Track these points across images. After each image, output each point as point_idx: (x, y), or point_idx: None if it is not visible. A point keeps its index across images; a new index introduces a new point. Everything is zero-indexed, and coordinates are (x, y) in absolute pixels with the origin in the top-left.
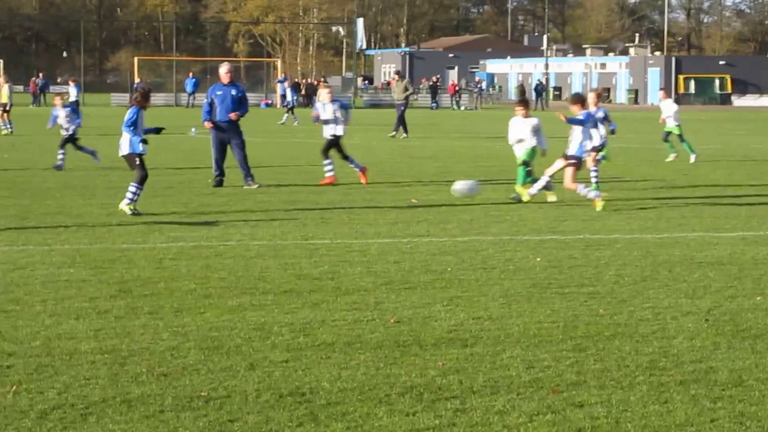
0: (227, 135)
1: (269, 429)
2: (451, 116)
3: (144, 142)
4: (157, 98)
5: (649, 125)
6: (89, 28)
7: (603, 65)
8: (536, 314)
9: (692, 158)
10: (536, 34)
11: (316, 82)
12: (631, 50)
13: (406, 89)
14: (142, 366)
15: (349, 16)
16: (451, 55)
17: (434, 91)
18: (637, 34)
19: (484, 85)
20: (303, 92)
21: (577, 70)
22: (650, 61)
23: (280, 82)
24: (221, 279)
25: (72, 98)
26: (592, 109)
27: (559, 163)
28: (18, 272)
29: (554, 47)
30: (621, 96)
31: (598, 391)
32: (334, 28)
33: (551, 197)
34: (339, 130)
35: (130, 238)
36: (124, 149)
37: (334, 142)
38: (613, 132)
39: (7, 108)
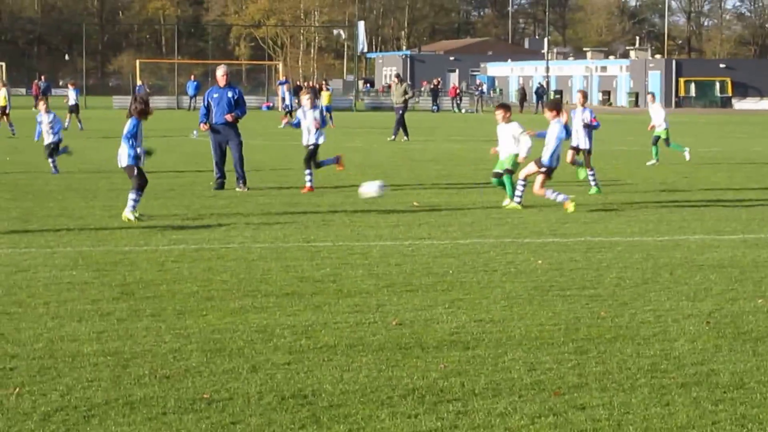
0: (224, 137)
1: (271, 431)
2: (452, 119)
3: (148, 153)
4: (158, 101)
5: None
6: (91, 31)
7: (604, 68)
8: (538, 317)
9: (686, 155)
10: (537, 37)
11: (317, 86)
12: (632, 53)
13: (405, 92)
14: (145, 368)
15: (350, 19)
16: (452, 58)
17: (435, 94)
18: (637, 38)
19: (485, 88)
20: None
21: (577, 73)
22: (651, 65)
23: (281, 84)
24: (223, 281)
25: (71, 102)
26: (578, 108)
27: (531, 167)
28: (21, 274)
29: (555, 50)
30: (621, 99)
31: (599, 393)
32: (335, 31)
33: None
34: (320, 138)
35: (132, 241)
36: (123, 161)
37: (315, 151)
38: (595, 127)
39: (6, 111)
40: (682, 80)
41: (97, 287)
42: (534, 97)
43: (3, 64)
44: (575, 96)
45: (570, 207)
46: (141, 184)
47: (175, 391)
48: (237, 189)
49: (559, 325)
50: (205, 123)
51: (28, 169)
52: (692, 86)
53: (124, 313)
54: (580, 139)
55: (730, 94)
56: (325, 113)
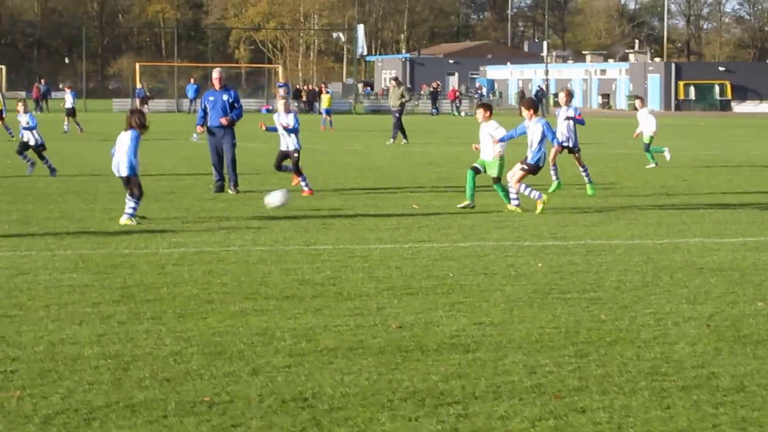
0: (220, 139)
1: None
2: (452, 122)
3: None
4: (158, 104)
5: None
6: (91, 34)
7: (603, 71)
8: (538, 320)
9: (666, 155)
10: (536, 40)
11: (317, 89)
12: (631, 56)
13: (402, 96)
14: (146, 371)
15: (349, 23)
16: (451, 61)
17: (434, 97)
18: (636, 41)
19: (484, 91)
20: (304, 98)
21: (577, 76)
22: (650, 68)
23: (280, 86)
24: (223, 284)
25: (68, 105)
26: (563, 107)
27: (517, 169)
28: (21, 277)
29: (554, 53)
30: (621, 102)
31: (600, 396)
32: (334, 35)
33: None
34: (294, 143)
35: (132, 244)
36: (124, 171)
37: (287, 155)
38: (580, 123)
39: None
40: (681, 83)
41: (97, 290)
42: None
43: (3, 67)
44: (574, 99)
45: (539, 207)
46: (141, 194)
47: (176, 394)
48: (229, 191)
49: (560, 328)
50: (202, 125)
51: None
52: (692, 89)
53: (125, 316)
54: (563, 138)
55: (729, 97)
56: (325, 116)
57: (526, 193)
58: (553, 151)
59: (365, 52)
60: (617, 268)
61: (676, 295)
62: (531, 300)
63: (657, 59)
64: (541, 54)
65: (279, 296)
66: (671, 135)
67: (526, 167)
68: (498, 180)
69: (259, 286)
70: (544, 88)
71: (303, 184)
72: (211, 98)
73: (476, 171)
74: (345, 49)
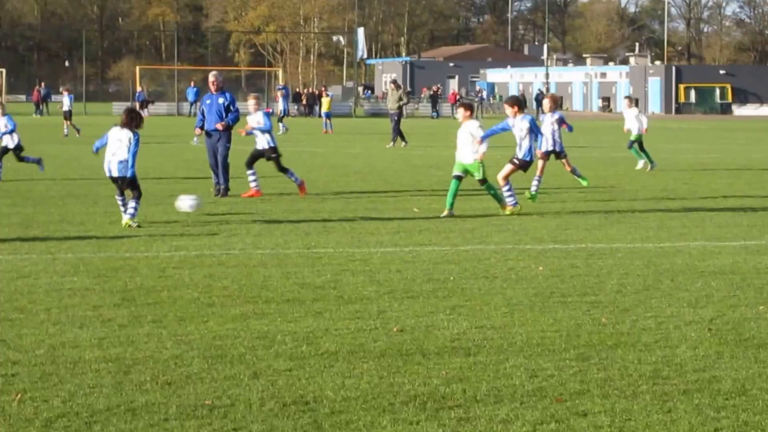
0: (216, 142)
1: None
2: (452, 125)
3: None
4: (158, 107)
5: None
6: (91, 37)
7: (603, 74)
8: (539, 323)
9: (639, 164)
10: (536, 43)
11: (317, 92)
12: (632, 59)
13: (400, 99)
14: (147, 374)
15: (349, 26)
16: (451, 64)
17: (435, 100)
18: (637, 44)
19: (484, 94)
20: (304, 102)
21: (577, 79)
22: (651, 71)
23: (280, 89)
24: (224, 288)
25: (65, 108)
26: (547, 113)
27: (508, 167)
28: (22, 281)
29: (554, 56)
30: (621, 105)
31: (601, 400)
32: (334, 38)
33: (506, 210)
34: (268, 141)
35: (133, 247)
36: (126, 171)
37: (261, 154)
38: (571, 129)
39: None
40: (682, 86)
41: (98, 293)
42: (534, 103)
43: (3, 70)
44: (575, 103)
45: (507, 210)
46: (140, 194)
47: (177, 397)
48: (211, 191)
49: (561, 331)
50: (201, 128)
51: (28, 175)
52: (692, 92)
53: (126, 320)
54: (549, 143)
55: (730, 101)
56: (325, 119)
57: (506, 191)
58: (540, 164)
59: (365, 56)
60: (618, 271)
61: (678, 298)
62: (532, 303)
63: (657, 62)
64: (542, 57)
65: (280, 300)
66: (672, 138)
67: (517, 162)
68: (484, 181)
69: (259, 290)
70: (544, 91)
71: (293, 179)
72: (207, 101)
73: (460, 179)
74: (345, 53)
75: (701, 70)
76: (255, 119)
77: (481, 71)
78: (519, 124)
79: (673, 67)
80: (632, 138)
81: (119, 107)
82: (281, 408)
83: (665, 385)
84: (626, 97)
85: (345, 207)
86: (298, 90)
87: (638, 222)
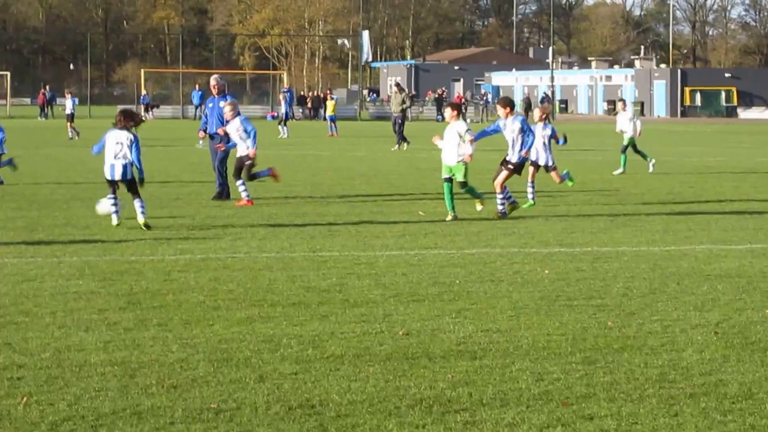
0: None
1: None
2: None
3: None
4: (164, 111)
5: (654, 137)
6: (96, 40)
7: (608, 77)
8: (545, 327)
9: (618, 171)
10: (541, 46)
11: (322, 95)
12: (637, 62)
13: (403, 102)
14: (152, 378)
15: (354, 29)
16: (456, 67)
17: (440, 103)
18: (642, 47)
19: (489, 97)
20: (309, 105)
21: (582, 82)
22: (656, 74)
23: (285, 92)
24: (229, 291)
25: (68, 110)
26: (538, 123)
27: (503, 172)
28: (27, 284)
29: (560, 60)
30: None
31: (607, 403)
32: (339, 41)
33: (479, 206)
34: (247, 149)
35: (138, 250)
36: (128, 174)
37: (243, 161)
38: (565, 142)
39: None
40: (687, 89)
41: (103, 297)
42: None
43: (7, 73)
44: (580, 106)
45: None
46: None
47: (183, 400)
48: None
49: (567, 335)
50: (204, 131)
51: (33, 178)
52: (698, 96)
53: (131, 323)
54: (540, 155)
55: (735, 104)
56: (330, 122)
57: (499, 198)
58: (531, 170)
59: (370, 59)
60: (624, 275)
61: (684, 302)
62: (538, 307)
63: (663, 65)
64: (547, 60)
65: (285, 303)
66: (678, 141)
67: (511, 166)
68: (465, 184)
69: (265, 293)
70: (549, 94)
71: (242, 189)
72: (210, 105)
73: (450, 181)
74: (350, 56)
75: (706, 74)
76: (234, 127)
77: (486, 74)
78: (511, 126)
79: (679, 71)
80: (625, 142)
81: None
82: (287, 411)
83: (672, 388)
84: (620, 100)
85: (350, 210)
86: (302, 93)
87: (644, 225)
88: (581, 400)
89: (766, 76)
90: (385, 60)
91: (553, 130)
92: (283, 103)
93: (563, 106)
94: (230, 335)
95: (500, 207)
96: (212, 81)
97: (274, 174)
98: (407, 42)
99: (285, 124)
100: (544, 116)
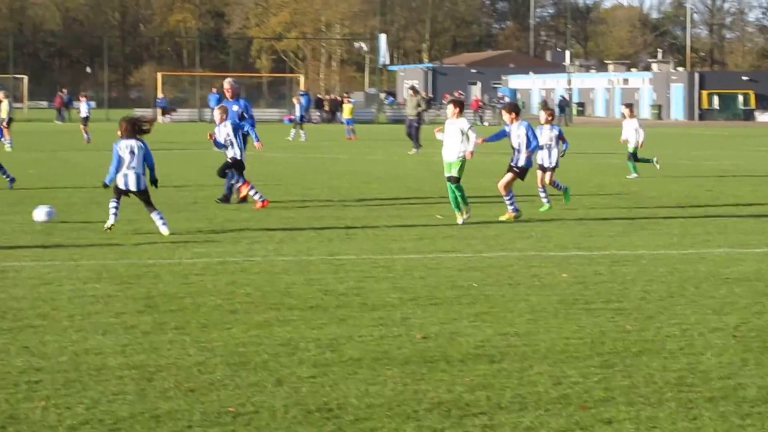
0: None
1: None
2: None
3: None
4: (180, 114)
5: (671, 141)
6: (112, 43)
7: (626, 81)
8: (563, 330)
9: (632, 176)
10: (559, 49)
11: (339, 98)
12: (654, 66)
13: (418, 105)
14: (170, 381)
15: (371, 32)
16: (473, 70)
17: None
18: (660, 50)
19: (506, 100)
20: (327, 108)
21: (600, 85)
22: (673, 77)
23: (301, 95)
24: (247, 294)
25: (83, 114)
26: (545, 126)
27: (508, 176)
28: (45, 287)
29: (577, 63)
30: (644, 112)
31: (626, 407)
32: (356, 44)
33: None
34: (236, 153)
35: (155, 254)
36: (143, 184)
37: (232, 165)
38: (563, 152)
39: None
40: (704, 93)
41: (121, 300)
42: (557, 110)
43: (25, 77)
44: (597, 109)
45: (504, 217)
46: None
47: (201, 404)
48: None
49: (585, 338)
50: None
51: (50, 181)
52: (715, 99)
53: (149, 326)
54: (544, 157)
55: (753, 107)
56: (347, 126)
57: (507, 200)
58: (539, 175)
59: (387, 62)
60: (642, 278)
61: (702, 305)
62: (556, 310)
63: (680, 68)
64: (564, 63)
65: (303, 306)
66: (695, 145)
67: (517, 170)
68: (457, 180)
69: (282, 297)
70: (567, 97)
71: (234, 181)
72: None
73: (457, 180)
74: (367, 59)
75: (724, 77)
76: (225, 132)
77: (503, 77)
78: (516, 131)
79: (696, 74)
80: (630, 150)
81: (140, 113)
82: (305, 415)
83: (690, 392)
84: (627, 105)
85: (368, 214)
86: (319, 96)
87: (662, 229)
88: (600, 403)
89: None
90: (402, 63)
91: (560, 131)
92: (297, 105)
93: (580, 109)
94: (248, 339)
95: (511, 207)
96: (226, 84)
97: (245, 185)
98: (424, 45)
99: (302, 128)
100: (550, 118)
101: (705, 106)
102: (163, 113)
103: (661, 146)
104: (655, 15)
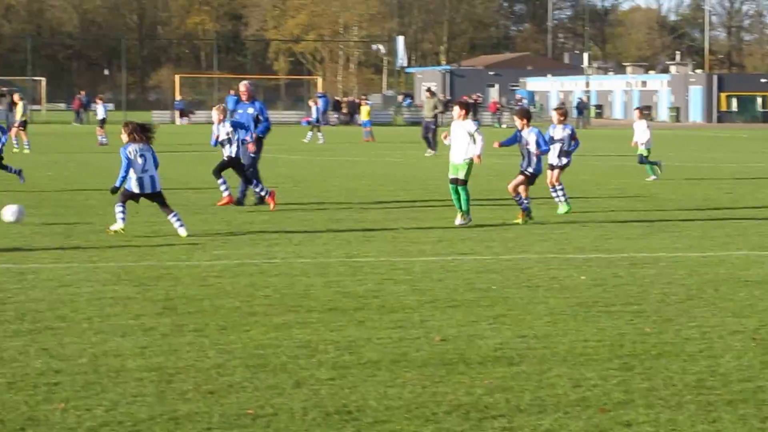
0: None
1: None
2: (494, 134)
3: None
4: (198, 116)
5: (690, 143)
6: (130, 45)
7: (644, 83)
8: (582, 332)
9: (650, 178)
10: (576, 51)
11: (357, 100)
12: (672, 68)
13: (435, 107)
14: (189, 383)
15: (389, 34)
16: (491, 73)
17: (474, 109)
18: (678, 53)
19: (525, 102)
20: (345, 110)
21: (618, 87)
22: (692, 79)
23: (319, 96)
24: (266, 297)
25: (100, 116)
26: (557, 125)
27: (520, 178)
28: (64, 289)
29: (595, 65)
30: (663, 114)
31: (645, 410)
32: (373, 46)
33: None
34: (232, 151)
35: (174, 256)
36: (158, 185)
37: (230, 163)
38: (570, 151)
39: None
40: (723, 95)
41: (139, 302)
42: (575, 112)
43: (43, 79)
44: (615, 111)
45: (520, 219)
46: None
47: (220, 406)
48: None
49: (604, 341)
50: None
51: (69, 184)
52: (734, 101)
53: (167, 328)
54: (554, 156)
55: None
56: (365, 128)
57: (517, 201)
58: (549, 174)
59: (405, 64)
60: (661, 281)
61: (721, 308)
62: (575, 313)
63: (698, 71)
64: (582, 65)
65: (322, 309)
66: (714, 147)
67: (528, 173)
68: (464, 183)
69: (301, 299)
70: (585, 100)
71: (222, 188)
72: (239, 111)
73: (456, 182)
74: (385, 61)
75: (742, 79)
76: (225, 131)
77: (521, 80)
78: (527, 137)
79: (714, 76)
80: (644, 153)
81: (159, 116)
82: (324, 417)
83: (710, 395)
84: (637, 109)
85: (386, 216)
86: (337, 98)
87: (681, 231)
88: (619, 406)
89: None
90: (420, 65)
91: (572, 130)
92: (313, 108)
93: (599, 111)
94: (267, 341)
95: (524, 205)
96: (241, 87)
97: (229, 199)
98: (442, 47)
99: (319, 130)
100: (562, 118)
101: (723, 108)
102: (181, 115)
103: (680, 149)
104: (673, 17)
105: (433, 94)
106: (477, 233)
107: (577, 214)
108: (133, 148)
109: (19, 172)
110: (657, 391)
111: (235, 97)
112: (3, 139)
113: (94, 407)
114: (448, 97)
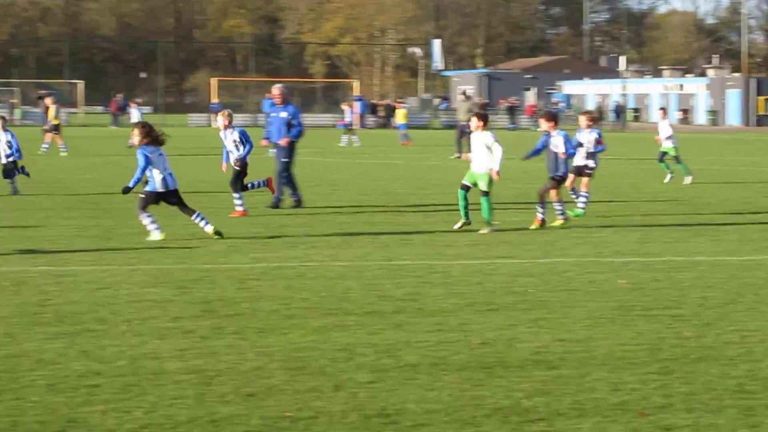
0: (280, 153)
1: None
2: (531, 138)
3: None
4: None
5: (729, 147)
6: (167, 49)
7: (681, 86)
8: (621, 336)
9: (687, 180)
10: (613, 55)
11: (394, 104)
12: (710, 71)
13: (470, 110)
14: (228, 386)
15: (425, 38)
16: (528, 76)
17: (512, 112)
18: (716, 56)
19: (561, 106)
20: (382, 113)
21: (655, 91)
22: (729, 83)
23: (355, 100)
24: (304, 300)
25: (133, 119)
26: (584, 129)
27: (548, 183)
28: (102, 292)
29: (632, 68)
30: (700, 117)
31: (685, 414)
32: (410, 50)
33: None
34: (241, 156)
35: (212, 259)
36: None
37: (244, 171)
38: (596, 152)
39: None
40: (761, 98)
41: (178, 304)
42: (611, 115)
43: (81, 82)
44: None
45: (557, 223)
46: None
47: (259, 409)
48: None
49: (643, 344)
50: (266, 139)
51: (107, 186)
52: None
53: (206, 331)
54: (580, 158)
55: None
56: (401, 131)
57: (540, 207)
58: (571, 177)
59: (441, 67)
60: (700, 284)
61: (761, 312)
62: (614, 316)
63: (736, 74)
64: (618, 69)
65: (360, 312)
66: (752, 150)
67: (557, 177)
68: (487, 194)
69: (340, 302)
70: (622, 103)
71: (238, 202)
72: (273, 114)
73: (467, 189)
74: (423, 64)
75: None
76: (231, 138)
77: (558, 83)
78: (554, 140)
79: (753, 79)
80: (672, 153)
81: (195, 119)
82: (363, 420)
83: (750, 399)
84: (661, 109)
85: (423, 219)
86: (374, 102)
87: (720, 235)
88: (659, 410)
89: None
90: (457, 68)
91: (599, 133)
92: (348, 111)
93: (636, 115)
94: (305, 344)
95: (540, 216)
96: (275, 90)
97: (270, 185)
98: (478, 51)
99: (354, 133)
100: (590, 122)
101: (762, 111)
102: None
103: (718, 152)
104: (710, 20)
105: (468, 97)
106: (515, 237)
107: (615, 217)
108: (151, 149)
109: (22, 169)
110: (697, 396)
111: (272, 100)
112: (17, 155)
113: (134, 409)
114: (485, 101)
